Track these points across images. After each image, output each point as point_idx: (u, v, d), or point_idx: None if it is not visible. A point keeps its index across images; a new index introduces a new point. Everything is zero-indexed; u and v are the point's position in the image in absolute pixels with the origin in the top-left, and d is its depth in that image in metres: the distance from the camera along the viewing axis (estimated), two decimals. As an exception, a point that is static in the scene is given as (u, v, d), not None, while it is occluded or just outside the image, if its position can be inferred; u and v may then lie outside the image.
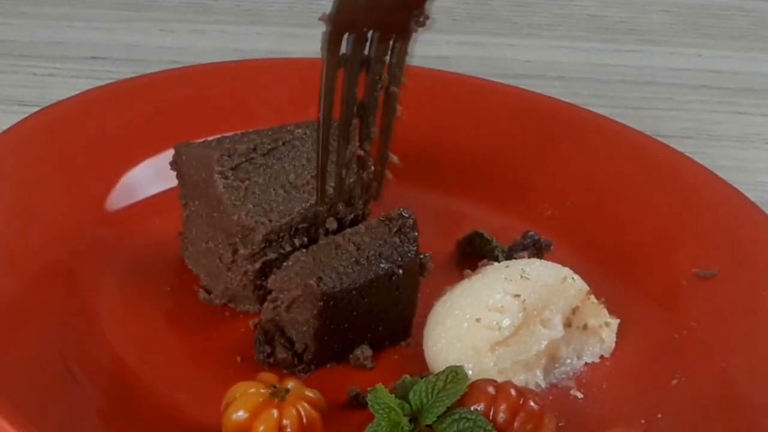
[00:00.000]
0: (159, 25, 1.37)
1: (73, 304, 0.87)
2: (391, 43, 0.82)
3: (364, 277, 0.83)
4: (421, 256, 0.87)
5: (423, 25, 0.82)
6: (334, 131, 0.81)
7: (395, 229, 0.86)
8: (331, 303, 0.82)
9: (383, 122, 0.85)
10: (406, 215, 0.87)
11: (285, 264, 0.84)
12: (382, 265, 0.84)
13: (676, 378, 0.85)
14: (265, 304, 0.85)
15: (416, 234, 0.87)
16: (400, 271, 0.85)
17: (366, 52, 0.80)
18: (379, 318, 0.85)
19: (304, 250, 0.85)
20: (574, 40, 1.44)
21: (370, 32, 0.80)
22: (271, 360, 0.84)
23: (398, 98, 0.84)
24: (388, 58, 0.83)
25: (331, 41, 0.77)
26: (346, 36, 0.78)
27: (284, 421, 0.75)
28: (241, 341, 0.86)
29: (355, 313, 0.84)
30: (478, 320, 0.82)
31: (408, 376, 0.78)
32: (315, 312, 0.82)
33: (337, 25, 0.76)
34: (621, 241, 0.99)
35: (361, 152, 0.85)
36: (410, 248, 0.86)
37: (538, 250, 0.96)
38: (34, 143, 0.97)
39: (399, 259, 0.85)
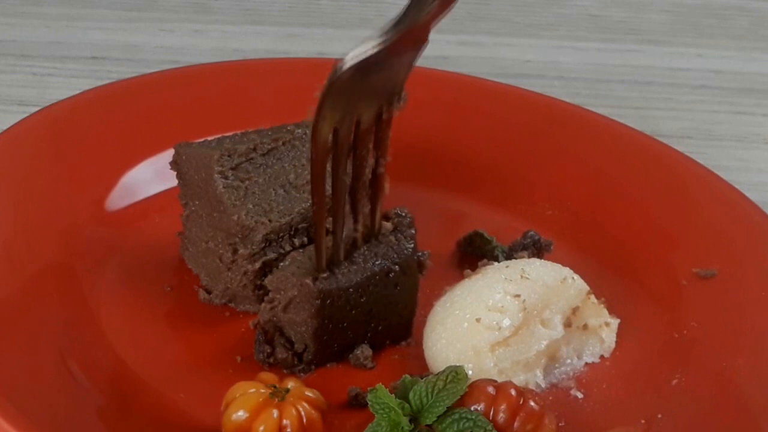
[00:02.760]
0: (159, 25, 1.37)
1: (73, 304, 0.87)
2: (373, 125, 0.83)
3: (360, 275, 0.83)
4: (419, 254, 0.87)
5: (403, 105, 0.83)
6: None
7: (392, 228, 0.87)
8: (328, 302, 0.82)
9: (373, 201, 0.85)
10: (403, 214, 0.87)
11: (282, 264, 0.84)
12: (378, 263, 0.84)
13: (676, 378, 0.85)
14: (263, 304, 0.85)
15: (413, 231, 0.87)
16: (397, 268, 0.85)
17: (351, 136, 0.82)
18: (379, 317, 0.85)
19: (302, 250, 0.85)
20: (574, 40, 1.44)
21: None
22: (271, 360, 0.84)
23: (385, 177, 0.85)
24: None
25: (319, 135, 0.78)
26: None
27: (284, 421, 0.75)
28: (241, 341, 0.86)
29: (353, 312, 0.84)
30: (478, 320, 0.82)
31: (408, 376, 0.78)
32: (313, 311, 0.82)
33: (323, 123, 0.78)
34: (621, 241, 0.99)
35: (357, 234, 0.85)
36: (407, 246, 0.86)
37: (538, 250, 0.96)
38: (34, 143, 0.97)
39: (395, 256, 0.85)
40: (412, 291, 0.87)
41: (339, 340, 0.84)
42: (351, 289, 0.83)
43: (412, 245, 0.86)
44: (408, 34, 0.76)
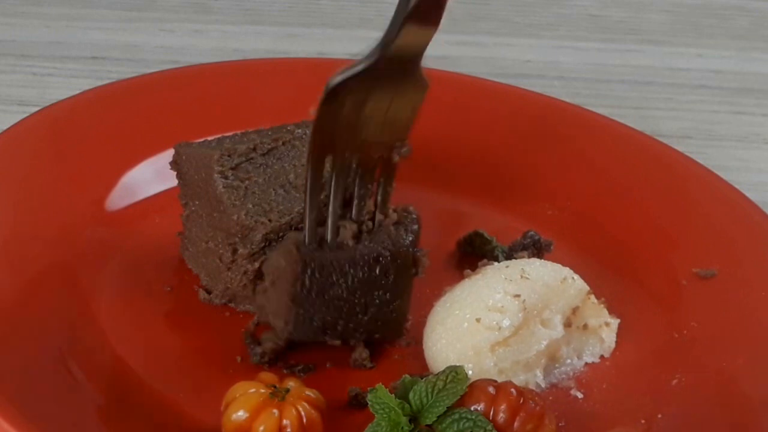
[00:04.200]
0: (159, 25, 1.37)
1: (73, 304, 0.87)
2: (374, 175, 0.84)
3: (348, 253, 0.82)
4: (417, 251, 0.86)
5: (405, 156, 0.84)
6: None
7: (396, 220, 0.86)
8: (310, 269, 0.81)
9: (383, 193, 0.86)
10: (410, 211, 0.87)
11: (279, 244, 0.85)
12: (369, 245, 0.83)
13: (676, 378, 0.85)
14: (257, 287, 0.85)
15: (416, 228, 0.86)
16: (388, 255, 0.83)
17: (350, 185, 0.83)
18: (366, 306, 0.84)
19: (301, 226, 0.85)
20: (574, 40, 1.44)
21: (354, 166, 0.83)
22: (266, 359, 0.84)
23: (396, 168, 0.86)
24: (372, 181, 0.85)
25: (315, 157, 0.80)
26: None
27: (284, 421, 0.75)
28: (241, 341, 0.86)
29: (337, 288, 0.82)
30: (478, 320, 0.82)
31: (408, 376, 0.78)
32: (294, 274, 0.81)
33: (319, 140, 0.79)
34: (621, 241, 0.99)
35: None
36: (405, 238, 0.85)
37: (538, 250, 0.96)
38: (34, 143, 0.97)
39: (390, 244, 0.84)
40: (405, 286, 0.85)
41: (320, 313, 0.82)
42: (335, 263, 0.82)
43: (411, 239, 0.85)
44: (389, 55, 0.78)
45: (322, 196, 0.82)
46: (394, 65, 0.79)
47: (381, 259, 0.83)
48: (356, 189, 0.84)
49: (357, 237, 0.83)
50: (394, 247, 0.84)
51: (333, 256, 0.82)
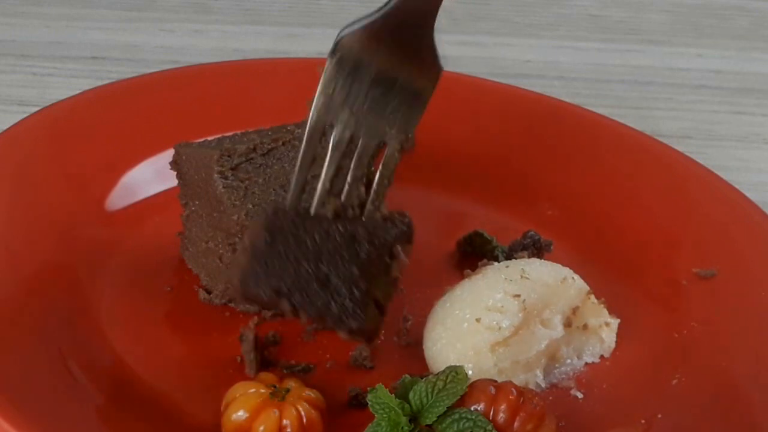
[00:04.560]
0: (159, 25, 1.37)
1: (73, 304, 0.87)
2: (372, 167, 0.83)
3: (321, 223, 0.80)
4: (398, 244, 0.82)
5: (408, 149, 0.83)
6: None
7: (387, 215, 0.83)
8: (276, 225, 0.79)
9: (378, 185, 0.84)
10: (403, 215, 0.85)
11: None
12: (350, 221, 0.81)
13: (676, 378, 0.85)
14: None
15: (406, 227, 0.83)
16: (362, 232, 0.80)
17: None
18: (338, 289, 0.80)
19: None
20: (574, 40, 1.44)
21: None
22: (258, 362, 0.83)
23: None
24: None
25: (317, 115, 0.80)
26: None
27: (284, 421, 0.75)
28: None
29: (302, 255, 0.79)
30: (478, 320, 0.82)
31: (408, 376, 0.78)
32: (259, 229, 0.79)
33: (323, 101, 0.79)
34: (621, 241, 0.99)
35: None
36: (390, 229, 0.82)
37: (538, 250, 0.96)
38: (34, 143, 0.97)
39: (371, 227, 0.81)
40: (377, 274, 0.81)
41: (278, 274, 0.79)
42: (304, 227, 0.79)
43: (394, 230, 0.82)
44: (399, 11, 0.78)
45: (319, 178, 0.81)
46: (405, 27, 0.78)
47: (354, 236, 0.80)
48: (351, 171, 0.82)
49: (338, 214, 0.81)
50: (376, 232, 0.81)
51: (304, 220, 0.80)
